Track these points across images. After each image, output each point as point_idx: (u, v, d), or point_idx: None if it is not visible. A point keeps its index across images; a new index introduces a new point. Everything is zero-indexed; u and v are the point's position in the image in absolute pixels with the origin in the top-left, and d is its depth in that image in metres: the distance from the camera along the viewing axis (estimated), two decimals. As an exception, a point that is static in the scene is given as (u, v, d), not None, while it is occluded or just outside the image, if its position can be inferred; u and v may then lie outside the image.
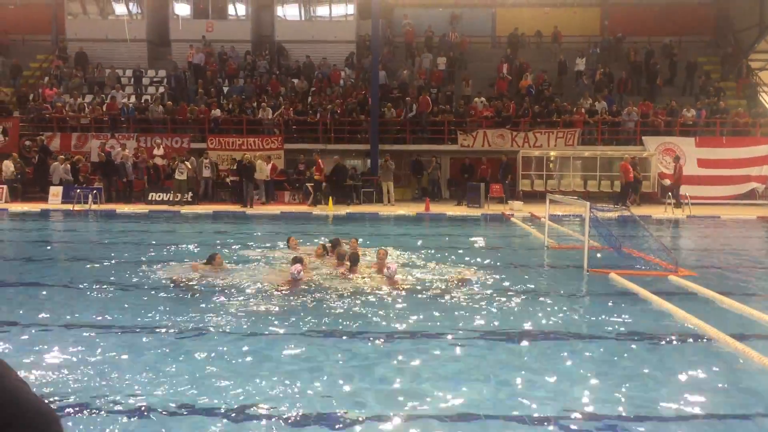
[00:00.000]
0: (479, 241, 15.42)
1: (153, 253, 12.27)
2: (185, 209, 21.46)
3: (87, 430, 4.47)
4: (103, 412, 4.73)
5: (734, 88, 29.60)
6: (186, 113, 26.78)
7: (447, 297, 8.52)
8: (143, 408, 4.81)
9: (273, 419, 4.66)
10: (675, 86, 29.86)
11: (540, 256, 12.76)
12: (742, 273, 11.25)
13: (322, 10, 32.22)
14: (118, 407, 4.82)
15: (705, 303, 8.46)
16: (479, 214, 21.09)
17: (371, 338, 6.67)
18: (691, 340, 6.77)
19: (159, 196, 23.14)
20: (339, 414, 4.74)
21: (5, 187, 23.12)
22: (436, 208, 22.04)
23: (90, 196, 21.69)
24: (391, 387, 5.29)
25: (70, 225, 18.45)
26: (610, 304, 8.48)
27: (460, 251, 12.97)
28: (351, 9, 31.78)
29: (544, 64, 30.59)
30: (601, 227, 12.10)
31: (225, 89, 29.47)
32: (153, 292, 8.74)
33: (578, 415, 4.78)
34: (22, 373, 4.49)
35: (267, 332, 6.86)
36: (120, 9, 32.38)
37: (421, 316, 7.53)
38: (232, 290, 8.76)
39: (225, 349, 6.22)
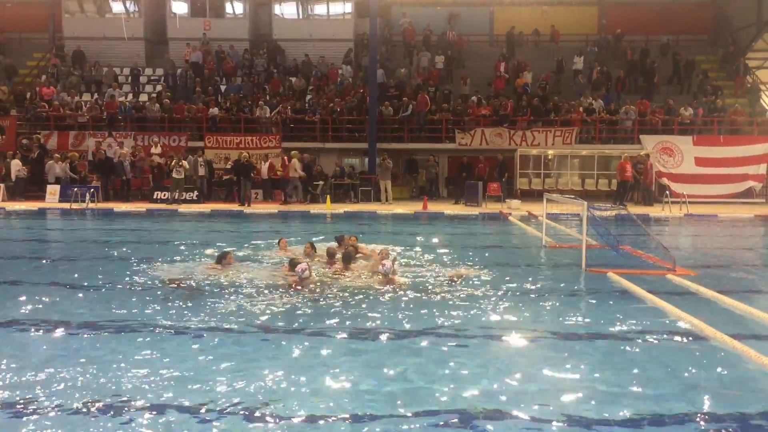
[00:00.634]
0: (477, 240, 15.45)
1: (151, 252, 12.25)
2: (182, 208, 21.42)
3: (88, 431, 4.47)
4: (105, 413, 4.72)
5: (732, 86, 29.62)
6: (183, 112, 26.75)
7: (443, 296, 8.51)
8: (146, 408, 4.80)
9: (274, 419, 4.65)
10: (673, 85, 29.88)
11: (538, 255, 12.76)
12: (740, 272, 11.26)
13: (319, 9, 32.23)
14: (120, 407, 4.81)
15: (703, 302, 8.47)
16: (477, 212, 21.08)
17: (369, 337, 6.67)
18: (688, 339, 6.77)
19: (164, 194, 23.09)
20: (338, 414, 4.74)
21: (2, 186, 23.08)
22: (433, 207, 22.02)
23: (87, 194, 21.65)
24: (389, 387, 5.28)
25: (67, 224, 18.41)
26: (608, 303, 8.49)
27: (458, 250, 12.96)
28: (348, 7, 31.78)
29: (542, 63, 30.61)
30: (599, 226, 12.10)
31: (223, 88, 29.44)
32: (152, 291, 8.72)
33: (576, 415, 4.78)
34: (17, 372, 4.46)
35: (271, 332, 6.85)
36: (117, 7, 32.35)
37: (418, 315, 7.52)
38: (239, 290, 8.75)
39: (225, 349, 6.22)
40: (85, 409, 4.77)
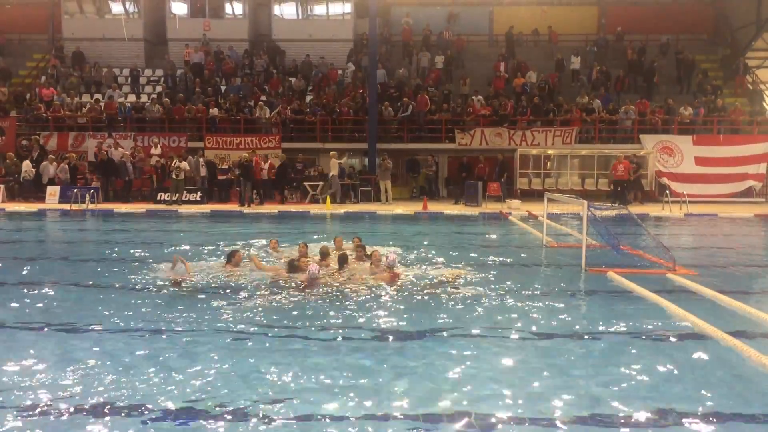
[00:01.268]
0: (477, 240, 15.45)
1: (150, 253, 12.25)
2: (183, 209, 21.43)
3: None
4: (111, 415, 4.72)
5: (732, 86, 29.64)
6: (183, 113, 26.75)
7: (444, 296, 8.52)
8: (149, 409, 4.80)
9: (274, 420, 4.65)
10: (672, 84, 29.88)
11: (538, 255, 12.76)
12: (740, 271, 11.27)
13: (319, 9, 32.22)
14: (128, 409, 4.81)
15: (703, 301, 8.47)
16: (477, 212, 21.08)
17: (368, 338, 6.68)
18: (689, 338, 6.77)
19: (168, 195, 23.07)
20: (337, 414, 4.74)
21: (2, 187, 23.10)
22: (433, 207, 22.02)
23: (87, 195, 21.65)
24: (386, 387, 5.28)
25: (67, 225, 18.41)
26: (608, 302, 8.50)
27: (458, 250, 12.97)
28: (348, 8, 31.78)
29: (542, 63, 30.60)
30: (599, 226, 12.10)
31: (222, 88, 29.44)
32: (151, 292, 8.73)
33: (575, 414, 4.78)
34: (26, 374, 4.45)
35: (272, 332, 6.85)
36: (117, 8, 32.34)
37: (418, 316, 7.52)
38: (247, 290, 8.76)
39: (225, 350, 6.22)
40: (88, 412, 4.77)
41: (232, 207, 22.07)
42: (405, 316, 7.52)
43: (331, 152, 23.89)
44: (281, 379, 5.40)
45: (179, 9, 32.25)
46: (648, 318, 7.55)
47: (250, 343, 6.44)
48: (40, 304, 8.08)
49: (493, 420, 4.68)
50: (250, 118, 26.83)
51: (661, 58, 30.57)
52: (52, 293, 8.80)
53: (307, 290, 8.65)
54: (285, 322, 7.25)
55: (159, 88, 30.06)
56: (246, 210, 21.37)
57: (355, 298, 8.29)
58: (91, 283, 9.39)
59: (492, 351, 6.33)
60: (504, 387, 5.31)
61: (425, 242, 14.11)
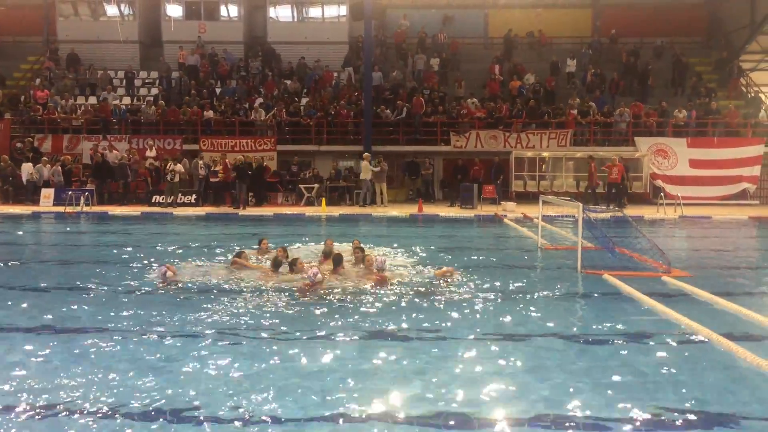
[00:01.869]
0: (472, 242, 15.47)
1: (144, 255, 12.22)
2: (178, 211, 21.40)
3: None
4: (108, 418, 4.71)
5: (726, 88, 29.77)
6: (178, 115, 26.70)
7: (439, 298, 8.51)
8: (145, 412, 4.79)
9: (272, 420, 4.65)
10: (667, 87, 29.98)
11: (533, 257, 12.78)
12: (735, 273, 11.30)
13: (314, 12, 32.22)
14: (122, 412, 4.80)
15: (698, 303, 8.49)
16: (472, 215, 21.11)
17: (362, 339, 6.67)
18: (683, 340, 6.79)
19: (163, 198, 23.04)
20: (334, 414, 4.74)
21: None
22: (429, 209, 22.04)
23: (82, 198, 21.59)
24: (381, 387, 5.27)
25: (62, 228, 18.36)
26: (603, 304, 8.51)
27: (453, 252, 12.97)
28: (343, 10, 31.78)
29: (537, 65, 30.66)
30: (594, 228, 12.13)
31: (218, 91, 29.40)
32: (148, 295, 8.71)
33: (570, 416, 4.78)
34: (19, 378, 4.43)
35: (268, 335, 6.85)
36: (112, 10, 32.23)
37: (409, 317, 7.52)
38: (240, 292, 8.75)
39: (224, 352, 6.20)
40: (86, 414, 4.76)
41: (227, 209, 22.05)
42: (396, 318, 7.50)
43: (365, 154, 23.88)
44: (272, 380, 5.39)
45: (174, 11, 32.20)
46: (643, 320, 7.57)
47: (243, 345, 6.43)
48: (33, 307, 8.05)
49: (487, 421, 4.67)
50: (245, 120, 26.80)
51: (655, 61, 30.68)
52: (44, 296, 8.78)
53: (301, 292, 8.64)
54: (275, 323, 7.23)
55: (154, 91, 30.01)
56: (241, 212, 21.34)
57: (345, 300, 8.27)
58: (83, 285, 9.35)
59: (486, 353, 6.33)
60: (497, 388, 5.31)
61: (420, 245, 14.10)
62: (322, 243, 12.04)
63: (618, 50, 31.47)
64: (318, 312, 7.73)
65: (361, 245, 11.18)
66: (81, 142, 26.11)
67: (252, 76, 30.30)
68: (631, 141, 26.18)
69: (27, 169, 23.50)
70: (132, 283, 9.51)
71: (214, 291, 8.90)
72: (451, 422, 4.66)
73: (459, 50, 32.32)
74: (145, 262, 11.28)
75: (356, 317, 7.53)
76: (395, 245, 13.39)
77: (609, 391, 5.26)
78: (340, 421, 4.67)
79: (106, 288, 9.10)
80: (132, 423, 4.62)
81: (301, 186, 24.24)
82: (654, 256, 11.36)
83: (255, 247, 11.98)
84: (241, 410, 4.82)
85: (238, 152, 24.58)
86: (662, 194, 22.60)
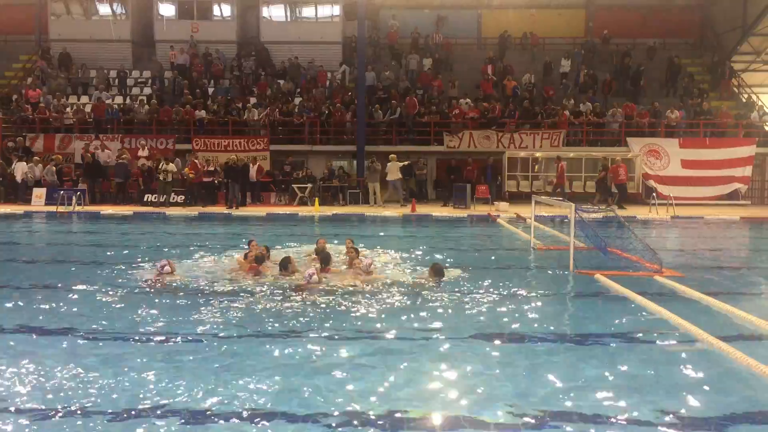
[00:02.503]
0: (465, 242, 15.48)
1: (137, 254, 12.18)
2: (170, 211, 21.35)
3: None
4: (107, 420, 4.69)
5: (718, 89, 29.92)
6: (171, 114, 26.62)
7: (430, 298, 8.50)
8: (136, 412, 4.77)
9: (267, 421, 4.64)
10: (659, 88, 30.09)
11: (526, 257, 12.80)
12: (726, 273, 11.34)
13: (307, 11, 32.15)
14: (114, 412, 4.78)
15: (689, 303, 8.51)
16: (465, 215, 21.13)
17: (353, 339, 6.66)
18: (675, 340, 6.81)
19: (155, 197, 22.97)
20: (319, 415, 4.73)
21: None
22: (422, 209, 22.05)
23: (74, 197, 21.50)
24: (373, 388, 5.27)
25: (54, 227, 18.29)
26: (595, 304, 8.53)
27: (446, 252, 12.97)
28: (337, 10, 31.74)
29: (530, 66, 30.72)
30: (587, 228, 12.16)
31: (210, 90, 29.34)
32: (140, 295, 8.67)
33: (561, 415, 4.78)
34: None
35: (261, 334, 6.83)
36: (104, 9, 32.13)
37: (401, 318, 7.51)
38: (245, 293, 8.72)
39: (219, 353, 6.19)
40: (85, 417, 4.74)
41: (220, 209, 22.01)
42: (384, 318, 7.48)
43: (391, 155, 23.90)
44: (262, 381, 5.38)
45: (167, 11, 32.10)
46: (635, 320, 7.59)
47: (235, 346, 6.41)
48: (21, 306, 8.01)
49: (477, 421, 4.67)
50: (238, 120, 26.75)
51: (647, 62, 30.80)
52: (32, 295, 8.72)
53: (296, 292, 8.61)
54: (268, 322, 7.22)
55: (147, 90, 29.92)
56: (234, 212, 21.31)
57: (331, 300, 8.25)
58: (73, 285, 9.30)
59: (476, 352, 6.31)
60: (487, 388, 5.30)
61: (413, 244, 14.10)
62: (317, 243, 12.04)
63: (610, 51, 31.57)
64: (307, 311, 7.71)
65: (354, 245, 11.18)
66: (73, 141, 26.01)
67: (245, 75, 30.24)
68: (623, 141, 26.27)
69: (21, 168, 23.39)
70: (122, 282, 9.47)
71: (207, 290, 8.87)
72: (440, 422, 4.66)
73: (452, 50, 32.36)
74: (137, 261, 11.24)
75: (342, 317, 7.50)
76: (388, 245, 13.38)
77: (600, 391, 5.26)
78: (336, 420, 4.66)
79: (96, 287, 9.04)
80: (124, 423, 4.60)
81: (295, 186, 24.21)
82: (646, 256, 11.39)
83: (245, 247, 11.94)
84: (234, 410, 4.81)
85: (231, 152, 24.55)
86: (654, 194, 22.67)
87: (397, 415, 4.77)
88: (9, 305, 8.09)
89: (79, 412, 4.77)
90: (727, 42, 32.41)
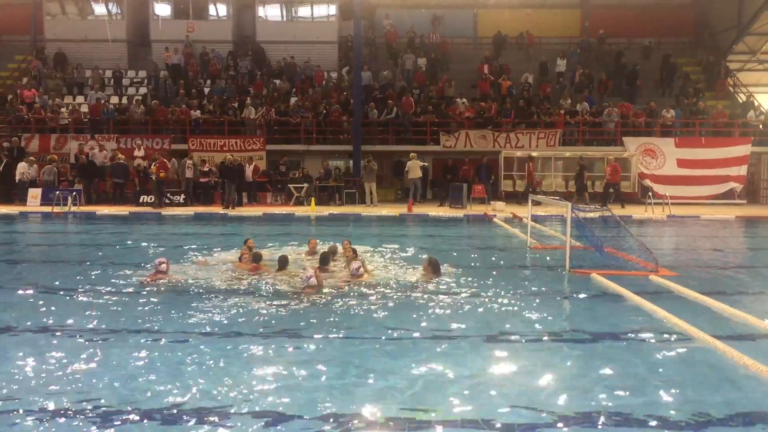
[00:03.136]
0: (461, 242, 15.48)
1: (132, 255, 12.16)
2: (166, 211, 21.31)
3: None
4: (105, 420, 4.67)
5: (713, 88, 29.98)
6: (167, 114, 26.57)
7: (426, 298, 8.50)
8: (140, 416, 4.76)
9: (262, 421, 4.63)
10: (655, 87, 30.14)
11: (522, 257, 12.81)
12: (722, 272, 11.36)
13: (303, 11, 32.12)
14: (108, 412, 4.76)
15: (685, 302, 8.52)
16: (462, 214, 21.14)
17: (347, 340, 6.65)
18: (671, 339, 6.81)
19: (150, 198, 22.93)
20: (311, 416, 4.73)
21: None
22: (418, 209, 22.06)
23: (69, 198, 21.45)
24: (367, 388, 5.27)
25: (51, 227, 18.25)
26: (591, 303, 8.53)
27: (443, 251, 12.97)
28: (333, 9, 31.72)
29: (526, 65, 30.75)
30: (583, 227, 12.16)
31: (206, 90, 29.29)
32: (134, 295, 8.65)
33: (556, 415, 4.78)
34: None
35: (254, 334, 6.82)
36: (99, 9, 32.04)
37: (400, 317, 7.50)
38: (243, 292, 8.71)
39: (213, 351, 6.17)
40: (77, 415, 4.72)
41: (216, 209, 21.98)
42: (380, 318, 7.48)
43: (411, 154, 23.94)
44: (256, 381, 5.37)
45: (163, 10, 32.03)
46: (630, 319, 7.59)
47: (228, 345, 6.40)
48: (14, 306, 7.99)
49: (471, 422, 4.67)
50: (234, 120, 26.71)
51: (643, 61, 30.85)
52: (26, 295, 8.70)
53: (294, 293, 8.59)
54: (262, 323, 7.20)
55: (142, 90, 29.87)
56: (230, 212, 21.28)
57: (331, 301, 8.24)
58: (67, 285, 9.28)
59: (471, 352, 6.32)
60: (482, 388, 5.30)
61: (409, 244, 14.10)
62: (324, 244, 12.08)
63: (606, 50, 31.61)
64: (304, 311, 7.70)
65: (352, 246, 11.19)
66: (68, 141, 25.94)
67: (241, 75, 30.20)
68: (619, 141, 26.31)
69: (20, 168, 23.33)
70: (118, 282, 9.44)
71: (203, 290, 8.85)
72: (435, 422, 4.65)
73: (448, 50, 32.38)
74: (133, 261, 11.22)
75: (339, 317, 7.48)
76: (384, 245, 13.36)
77: (595, 390, 5.26)
78: (330, 421, 4.65)
79: (90, 288, 9.02)
80: (117, 423, 4.58)
81: (291, 186, 24.19)
82: (642, 255, 11.41)
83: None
84: (227, 410, 4.80)
85: (227, 152, 24.52)
86: (650, 194, 22.72)
87: (396, 415, 4.77)
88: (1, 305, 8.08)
89: (70, 411, 4.76)
90: (722, 41, 32.48)
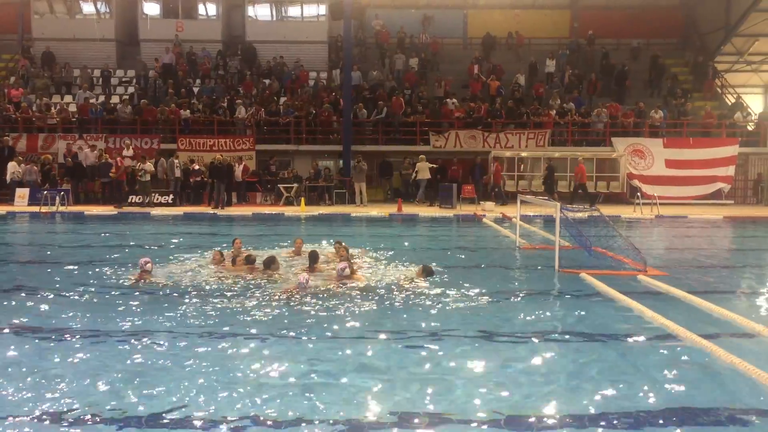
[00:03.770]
0: (451, 242, 15.49)
1: (120, 255, 12.09)
2: (155, 211, 21.22)
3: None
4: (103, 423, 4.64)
5: (701, 89, 30.18)
6: (156, 114, 26.45)
7: (416, 298, 8.50)
8: (126, 414, 4.73)
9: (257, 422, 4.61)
10: (643, 88, 30.29)
11: (511, 257, 12.83)
12: (710, 272, 11.43)
13: (293, 11, 32.07)
14: (102, 414, 4.73)
15: (673, 302, 8.56)
16: (451, 214, 21.16)
17: (336, 341, 6.64)
18: (659, 338, 6.83)
19: (138, 198, 22.82)
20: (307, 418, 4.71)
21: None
22: (408, 209, 22.06)
23: (57, 198, 21.32)
24: (362, 388, 5.25)
25: (38, 227, 18.12)
26: (580, 303, 8.55)
27: (432, 252, 12.98)
28: (323, 9, 31.68)
29: (516, 66, 30.83)
30: (572, 227, 12.20)
31: (195, 90, 29.18)
32: (120, 296, 8.60)
33: (544, 414, 4.79)
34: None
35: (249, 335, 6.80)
36: (88, 8, 31.86)
37: (389, 317, 7.50)
38: (231, 293, 8.67)
39: (208, 352, 6.15)
40: (63, 418, 4.69)
41: (205, 209, 21.90)
42: (372, 318, 7.48)
43: (421, 155, 23.98)
44: (252, 381, 5.35)
45: (151, 9, 31.87)
46: (619, 319, 7.62)
47: (220, 346, 6.37)
48: (1, 307, 7.94)
49: (462, 421, 4.67)
50: (223, 119, 26.62)
51: (632, 62, 31.00)
52: (14, 296, 8.64)
53: (286, 294, 8.56)
54: (254, 323, 7.19)
55: (131, 89, 29.72)
56: (219, 212, 21.21)
57: (323, 302, 8.22)
58: (55, 285, 9.23)
59: (460, 352, 6.31)
60: (472, 388, 5.30)
61: (398, 244, 14.10)
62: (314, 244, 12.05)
63: (595, 51, 31.75)
64: (296, 313, 7.68)
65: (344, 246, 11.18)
66: (56, 141, 25.78)
67: (230, 75, 30.10)
68: (608, 141, 26.43)
69: (10, 168, 23.15)
70: (103, 281, 9.39)
71: (190, 290, 8.81)
72: (427, 422, 4.65)
73: (438, 50, 32.42)
74: (119, 261, 11.15)
75: (330, 318, 7.46)
76: (374, 245, 13.35)
77: (584, 389, 5.28)
78: (333, 420, 4.64)
79: (79, 288, 8.96)
80: (102, 425, 4.55)
81: (280, 186, 24.14)
82: (631, 255, 11.45)
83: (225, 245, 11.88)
84: (221, 411, 4.78)
85: (217, 152, 24.44)
86: (639, 194, 22.83)
87: (392, 415, 4.76)
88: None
89: (53, 411, 4.72)
90: (710, 42, 32.69)
